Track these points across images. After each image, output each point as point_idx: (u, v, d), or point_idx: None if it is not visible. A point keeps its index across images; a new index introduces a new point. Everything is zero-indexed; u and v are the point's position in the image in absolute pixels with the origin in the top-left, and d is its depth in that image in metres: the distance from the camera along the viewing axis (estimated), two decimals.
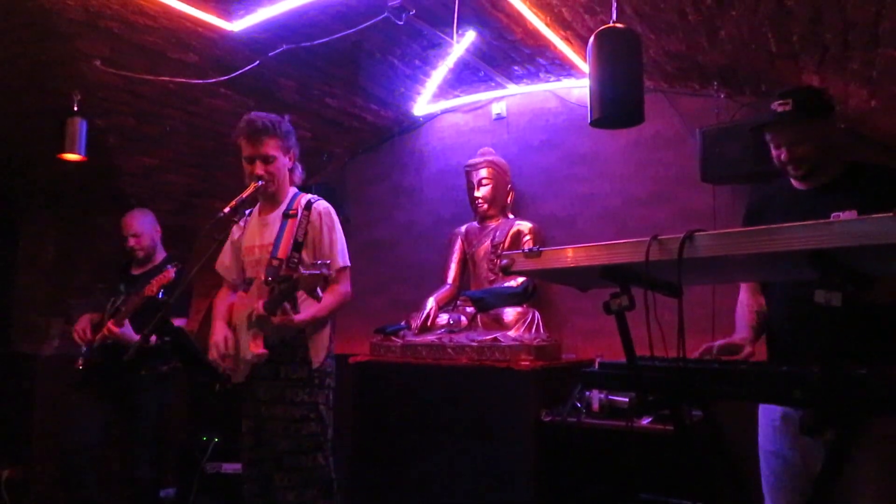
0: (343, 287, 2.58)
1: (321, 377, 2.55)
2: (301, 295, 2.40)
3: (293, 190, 2.68)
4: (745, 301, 2.10)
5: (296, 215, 2.54)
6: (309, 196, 2.65)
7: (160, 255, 3.60)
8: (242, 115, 2.57)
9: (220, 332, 2.54)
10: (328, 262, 2.33)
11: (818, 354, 1.43)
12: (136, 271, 3.53)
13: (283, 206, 2.59)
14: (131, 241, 3.51)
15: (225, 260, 2.72)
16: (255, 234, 2.60)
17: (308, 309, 2.44)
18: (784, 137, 1.91)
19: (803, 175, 1.93)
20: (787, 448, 1.89)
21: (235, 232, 2.68)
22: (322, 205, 2.61)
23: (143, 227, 3.55)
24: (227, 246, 2.71)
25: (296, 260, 2.46)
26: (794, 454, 1.87)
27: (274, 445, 2.47)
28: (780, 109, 1.88)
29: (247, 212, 2.67)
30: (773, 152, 1.96)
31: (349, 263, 2.61)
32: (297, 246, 2.49)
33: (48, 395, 4.26)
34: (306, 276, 2.24)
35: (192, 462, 4.10)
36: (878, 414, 1.56)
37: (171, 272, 3.15)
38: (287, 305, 2.34)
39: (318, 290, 2.29)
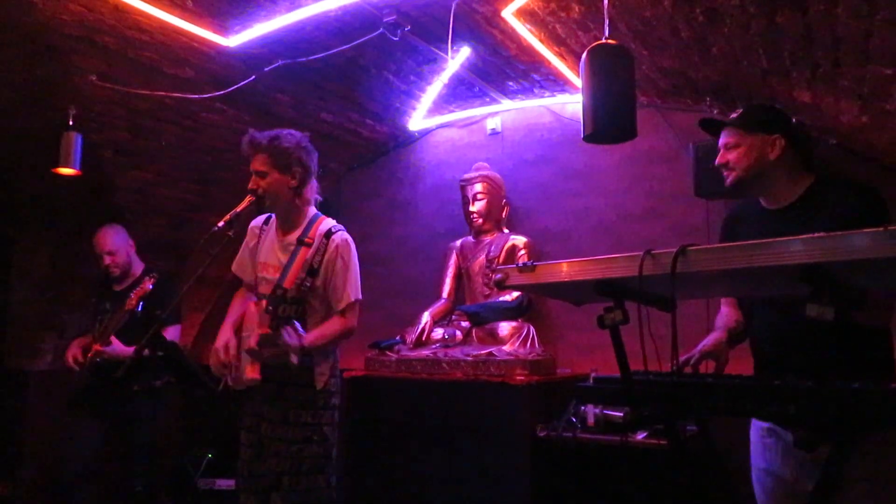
0: (349, 320, 2.54)
1: (326, 398, 2.51)
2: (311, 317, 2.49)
3: (311, 211, 2.61)
4: (726, 311, 2.11)
5: (311, 244, 2.50)
6: (331, 224, 2.59)
7: (138, 267, 3.56)
8: (237, 130, 2.56)
9: (223, 337, 2.50)
10: (303, 333, 2.36)
11: (807, 369, 1.43)
12: (118, 287, 3.49)
13: (299, 231, 2.55)
14: (107, 260, 3.46)
15: (241, 261, 2.70)
16: (273, 252, 2.57)
17: (308, 335, 2.41)
18: (721, 139, 1.96)
19: (730, 185, 1.94)
20: (777, 465, 1.87)
21: (251, 238, 2.66)
22: (341, 236, 2.54)
23: (116, 244, 3.49)
24: (244, 249, 2.69)
25: (308, 285, 2.45)
26: (784, 471, 1.85)
27: (274, 465, 2.44)
28: (732, 115, 1.95)
29: (261, 220, 2.66)
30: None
31: (360, 297, 2.57)
32: (312, 272, 2.47)
33: (40, 411, 4.23)
34: (284, 344, 2.29)
35: (186, 477, 4.08)
36: (871, 429, 1.55)
37: (148, 284, 3.15)
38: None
39: (293, 357, 2.33)
